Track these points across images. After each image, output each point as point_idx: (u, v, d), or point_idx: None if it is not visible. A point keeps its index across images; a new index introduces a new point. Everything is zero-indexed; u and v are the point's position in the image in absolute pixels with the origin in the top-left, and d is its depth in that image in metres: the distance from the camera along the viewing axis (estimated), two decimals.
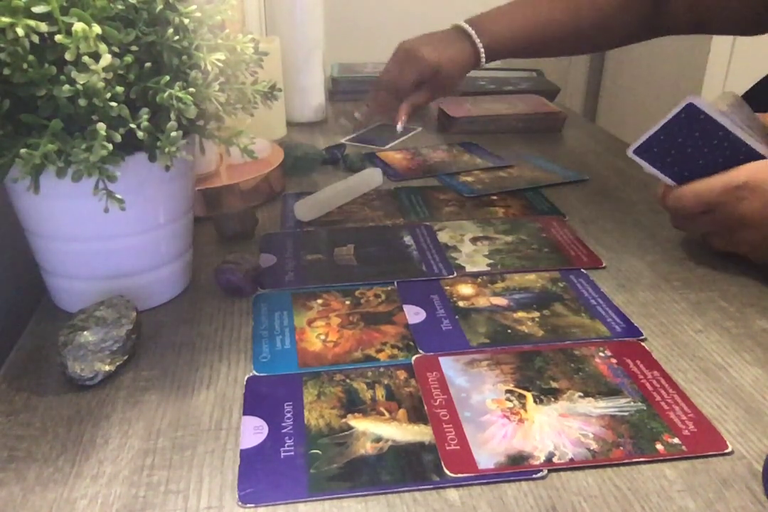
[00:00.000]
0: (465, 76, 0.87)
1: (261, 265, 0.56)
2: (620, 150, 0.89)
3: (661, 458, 0.36)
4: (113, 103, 0.39)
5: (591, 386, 0.42)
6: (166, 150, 0.41)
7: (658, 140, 0.54)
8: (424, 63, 0.83)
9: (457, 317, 0.49)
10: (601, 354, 0.45)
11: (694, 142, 0.52)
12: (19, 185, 0.43)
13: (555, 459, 0.36)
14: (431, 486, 0.35)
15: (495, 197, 0.72)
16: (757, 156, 0.51)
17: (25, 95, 0.39)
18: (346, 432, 0.38)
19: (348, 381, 0.42)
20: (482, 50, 0.83)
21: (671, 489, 0.34)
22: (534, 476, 0.35)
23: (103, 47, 0.37)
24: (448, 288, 0.54)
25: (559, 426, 0.38)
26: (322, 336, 0.47)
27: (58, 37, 0.36)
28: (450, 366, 0.44)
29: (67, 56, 0.37)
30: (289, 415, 0.39)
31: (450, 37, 0.84)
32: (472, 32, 0.83)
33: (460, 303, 0.51)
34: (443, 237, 0.62)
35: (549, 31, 0.83)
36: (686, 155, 0.53)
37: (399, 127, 0.87)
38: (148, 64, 0.41)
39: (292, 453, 0.37)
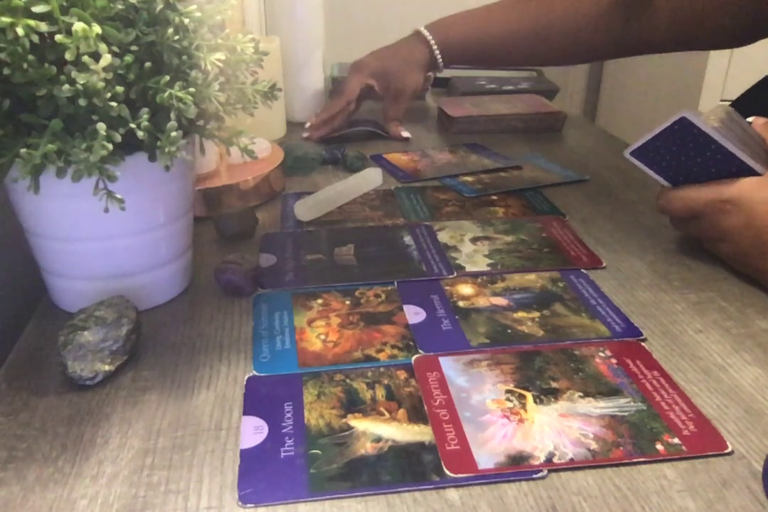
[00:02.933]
0: (423, 77, 0.91)
1: (261, 265, 0.56)
2: (620, 150, 0.89)
3: (661, 458, 0.36)
4: (113, 103, 0.39)
5: (591, 386, 0.42)
6: (166, 150, 0.41)
7: (654, 146, 0.54)
8: (366, 69, 0.90)
9: (457, 317, 0.49)
10: (601, 354, 0.45)
11: (688, 152, 0.53)
12: (19, 185, 0.43)
13: (555, 459, 0.36)
14: (431, 486, 0.35)
15: (495, 197, 0.72)
16: (749, 171, 0.51)
17: (25, 95, 0.39)
18: (346, 432, 0.38)
19: (348, 381, 0.42)
20: (437, 51, 0.87)
21: (671, 489, 0.34)
22: (534, 476, 0.35)
23: (103, 47, 0.37)
24: (448, 288, 0.54)
25: (559, 426, 0.38)
26: (322, 336, 0.47)
27: (58, 37, 0.36)
28: (450, 366, 0.44)
29: (67, 56, 0.37)
30: (289, 415, 0.39)
31: (405, 41, 0.90)
32: (427, 34, 0.88)
33: (460, 303, 0.51)
34: (443, 237, 0.62)
35: (511, 39, 0.85)
36: (680, 162, 0.54)
37: (405, 134, 0.92)
38: (148, 64, 0.41)
39: (292, 453, 0.37)
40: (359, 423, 0.39)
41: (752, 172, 0.51)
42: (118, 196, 0.41)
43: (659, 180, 0.56)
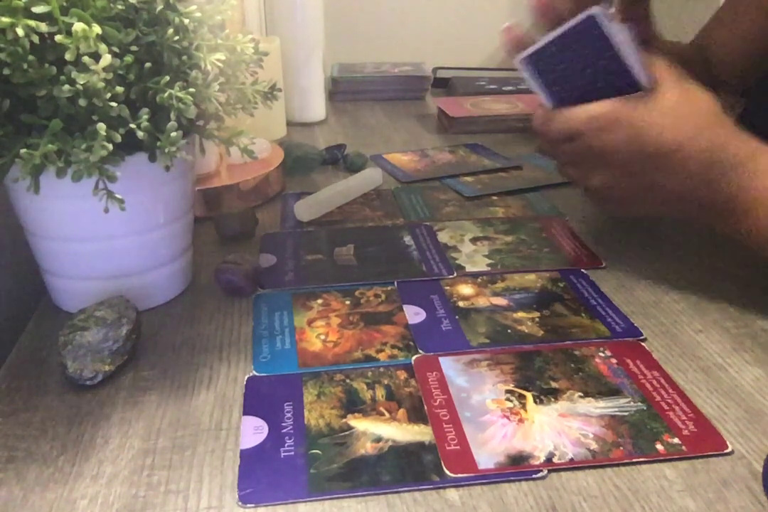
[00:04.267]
0: None
1: (261, 265, 0.56)
2: None
3: (661, 458, 0.36)
4: (113, 103, 0.39)
5: (591, 386, 0.42)
6: (166, 150, 0.41)
7: (550, 52, 0.50)
8: None
9: (457, 317, 0.49)
10: (601, 354, 0.45)
11: (582, 60, 0.49)
12: (19, 185, 0.43)
13: (555, 459, 0.36)
14: (431, 486, 0.35)
15: (495, 197, 0.72)
16: (637, 86, 0.48)
17: (25, 95, 0.39)
18: (346, 432, 0.38)
19: (348, 381, 0.42)
20: None
21: (671, 489, 0.34)
22: (534, 476, 0.35)
23: (103, 47, 0.37)
24: (448, 288, 0.54)
25: (559, 426, 0.38)
26: (322, 336, 0.47)
27: (58, 37, 0.36)
28: (450, 366, 0.44)
29: (67, 56, 0.37)
30: (289, 415, 0.39)
31: None
32: None
33: (460, 303, 0.51)
34: (443, 237, 0.62)
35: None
36: (570, 74, 0.50)
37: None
38: (148, 64, 0.41)
39: (292, 453, 0.37)
40: (359, 423, 0.39)
41: (639, 88, 0.48)
42: (118, 196, 0.41)
43: (541, 96, 0.52)
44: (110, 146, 0.39)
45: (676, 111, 0.47)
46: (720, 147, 0.47)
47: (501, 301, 0.52)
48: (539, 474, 0.35)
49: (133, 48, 0.41)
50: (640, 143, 0.48)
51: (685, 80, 0.49)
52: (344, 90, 1.13)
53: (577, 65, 0.50)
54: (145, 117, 0.41)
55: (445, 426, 0.38)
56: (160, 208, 0.48)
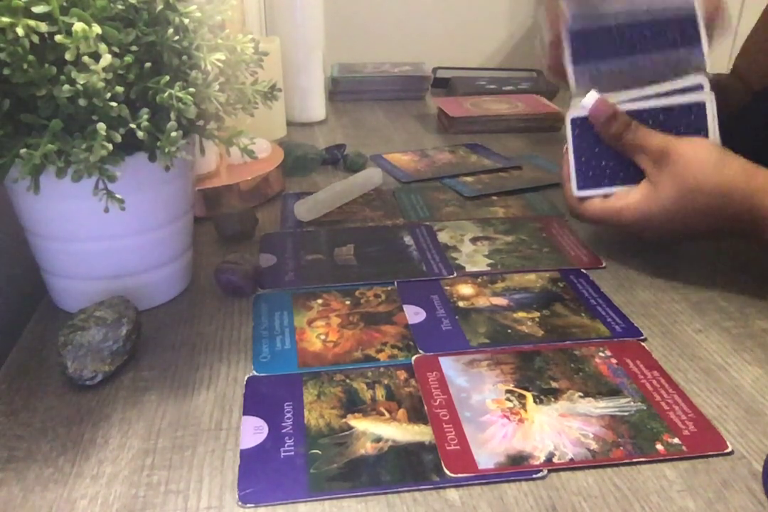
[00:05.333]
0: None
1: (261, 265, 0.56)
2: None
3: (661, 458, 0.36)
4: (113, 103, 0.39)
5: (591, 386, 0.42)
6: (166, 150, 0.41)
7: (586, 165, 0.55)
8: None
9: (457, 317, 0.49)
10: (601, 354, 0.45)
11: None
12: (19, 185, 0.43)
13: (555, 459, 0.36)
14: (431, 486, 0.35)
15: (495, 197, 0.72)
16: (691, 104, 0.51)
17: (25, 95, 0.39)
18: (346, 432, 0.38)
19: (348, 381, 0.42)
20: None
21: (671, 489, 0.34)
22: (534, 476, 0.35)
23: (103, 47, 0.37)
24: (448, 288, 0.54)
25: (559, 426, 0.38)
26: (322, 336, 0.47)
27: (58, 37, 0.36)
28: (450, 366, 0.44)
29: (67, 56, 0.37)
30: (289, 415, 0.39)
31: None
32: None
33: (460, 303, 0.51)
34: (443, 237, 0.62)
35: None
36: (615, 155, 0.54)
37: None
38: (148, 64, 0.41)
39: (292, 453, 0.37)
40: (359, 423, 0.39)
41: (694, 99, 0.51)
42: (118, 196, 0.41)
43: (620, 189, 0.54)
44: (110, 146, 0.39)
45: (676, 204, 0.50)
46: (747, 210, 0.48)
47: (501, 301, 0.52)
48: (539, 474, 0.35)
49: (133, 48, 0.41)
50: (659, 221, 0.51)
51: (675, 154, 0.50)
52: (344, 90, 1.13)
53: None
54: (145, 117, 0.41)
55: (445, 426, 0.38)
56: (160, 208, 0.48)
